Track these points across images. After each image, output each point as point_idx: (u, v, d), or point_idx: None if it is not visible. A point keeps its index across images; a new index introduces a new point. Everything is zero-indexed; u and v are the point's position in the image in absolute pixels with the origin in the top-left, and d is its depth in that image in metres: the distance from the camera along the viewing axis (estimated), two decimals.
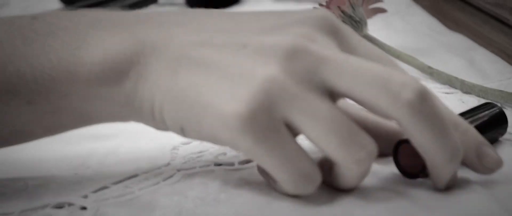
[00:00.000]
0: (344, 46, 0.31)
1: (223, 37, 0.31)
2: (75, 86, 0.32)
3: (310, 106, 0.29)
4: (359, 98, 0.29)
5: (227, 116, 0.29)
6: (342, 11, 0.53)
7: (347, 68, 0.29)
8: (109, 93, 0.32)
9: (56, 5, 0.78)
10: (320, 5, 0.53)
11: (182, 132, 0.32)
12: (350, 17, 0.53)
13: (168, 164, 0.37)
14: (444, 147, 0.29)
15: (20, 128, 0.33)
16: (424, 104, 0.28)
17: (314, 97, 0.29)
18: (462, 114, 0.36)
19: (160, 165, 0.37)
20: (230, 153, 0.38)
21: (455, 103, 0.45)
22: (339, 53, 0.30)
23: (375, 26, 0.57)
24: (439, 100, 0.31)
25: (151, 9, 0.75)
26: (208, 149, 0.38)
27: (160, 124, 0.32)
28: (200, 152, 0.38)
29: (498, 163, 0.32)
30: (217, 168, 0.36)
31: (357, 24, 0.53)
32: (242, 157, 0.37)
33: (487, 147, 0.32)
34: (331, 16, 0.32)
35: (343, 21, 0.52)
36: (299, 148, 0.30)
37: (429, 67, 0.50)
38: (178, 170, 0.36)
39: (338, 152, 0.29)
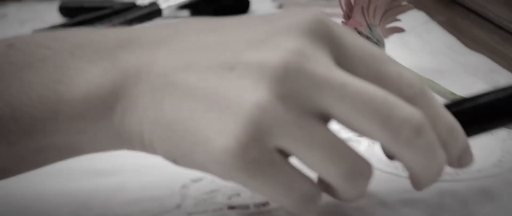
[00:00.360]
0: (339, 51, 0.29)
1: (208, 57, 0.29)
2: (59, 124, 0.30)
3: (304, 133, 0.27)
4: (355, 127, 0.28)
5: (217, 152, 0.27)
6: (359, 33, 0.50)
7: (344, 96, 0.27)
8: (96, 129, 0.30)
9: (55, 16, 0.75)
10: None
11: (176, 162, 0.29)
12: (367, 38, 0.50)
13: (179, 206, 0.34)
14: (430, 171, 0.29)
15: (1, 167, 0.31)
16: (422, 138, 0.28)
17: (308, 123, 0.27)
18: (485, 94, 0.33)
19: (169, 207, 0.34)
20: (244, 194, 0.35)
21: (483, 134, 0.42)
22: (336, 74, 0.27)
23: (390, 45, 0.54)
24: (436, 101, 0.30)
25: (152, 22, 0.72)
26: (220, 188, 0.35)
27: (151, 152, 0.30)
28: (212, 191, 0.35)
29: (471, 163, 0.32)
30: (231, 211, 0.33)
31: None
32: (258, 198, 0.34)
33: (469, 149, 0.32)
34: (324, 19, 0.29)
35: None
36: (295, 171, 0.28)
37: (452, 93, 0.47)
38: (189, 214, 0.33)
39: (336, 180, 0.28)
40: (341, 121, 0.28)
